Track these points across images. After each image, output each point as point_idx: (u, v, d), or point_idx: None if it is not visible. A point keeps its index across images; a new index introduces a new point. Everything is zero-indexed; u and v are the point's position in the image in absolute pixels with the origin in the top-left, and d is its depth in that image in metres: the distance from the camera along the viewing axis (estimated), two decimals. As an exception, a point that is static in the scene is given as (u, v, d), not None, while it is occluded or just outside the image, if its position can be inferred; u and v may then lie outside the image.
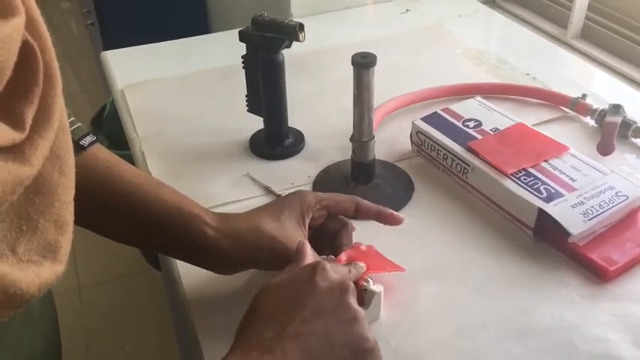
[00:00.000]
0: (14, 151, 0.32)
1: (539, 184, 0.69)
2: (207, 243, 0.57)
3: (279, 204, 0.61)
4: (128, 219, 0.58)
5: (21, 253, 0.34)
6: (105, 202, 0.57)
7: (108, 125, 1.50)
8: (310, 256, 0.53)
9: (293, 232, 0.58)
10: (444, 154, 0.76)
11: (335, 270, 0.50)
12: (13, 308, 0.33)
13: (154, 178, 0.63)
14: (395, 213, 0.63)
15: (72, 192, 0.38)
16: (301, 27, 0.74)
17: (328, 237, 0.63)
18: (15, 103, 0.32)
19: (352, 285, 0.50)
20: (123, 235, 0.60)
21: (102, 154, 0.59)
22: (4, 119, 0.31)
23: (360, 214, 0.63)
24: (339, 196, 0.63)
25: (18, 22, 0.31)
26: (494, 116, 0.80)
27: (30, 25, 0.33)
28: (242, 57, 0.80)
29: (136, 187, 0.58)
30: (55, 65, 0.35)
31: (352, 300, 0.49)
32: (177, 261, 0.67)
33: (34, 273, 0.34)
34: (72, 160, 0.38)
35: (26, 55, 0.32)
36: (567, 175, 0.70)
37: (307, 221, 0.60)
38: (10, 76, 0.31)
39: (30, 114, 0.32)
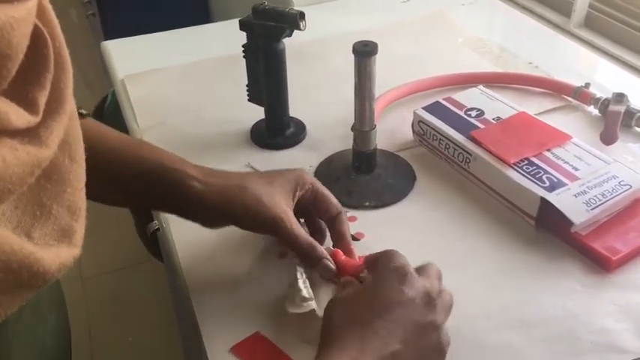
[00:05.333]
0: (30, 135, 0.32)
1: (542, 173, 0.68)
2: (193, 196, 0.57)
3: (274, 173, 0.62)
4: (113, 180, 0.58)
5: (37, 237, 0.35)
6: (90, 165, 0.59)
7: (109, 116, 1.50)
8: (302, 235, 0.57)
9: (280, 199, 0.58)
10: (446, 143, 0.76)
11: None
12: (35, 288, 0.34)
13: (135, 139, 0.63)
14: (344, 257, 0.60)
15: (83, 178, 0.39)
16: (302, 15, 0.74)
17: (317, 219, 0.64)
18: (28, 88, 0.32)
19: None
20: (109, 196, 0.60)
21: (85, 122, 0.59)
22: (18, 103, 0.31)
23: (332, 226, 0.62)
24: (331, 196, 0.63)
25: (31, 5, 0.31)
26: (497, 105, 0.80)
27: (39, 10, 0.33)
28: (243, 46, 0.79)
29: (118, 147, 0.59)
30: (66, 52, 0.35)
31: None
32: (179, 252, 0.67)
33: (54, 253, 0.35)
34: (81, 146, 0.39)
35: (36, 40, 0.32)
36: (570, 165, 0.70)
37: (297, 195, 0.60)
38: (22, 61, 0.31)
39: (42, 99, 0.33)
